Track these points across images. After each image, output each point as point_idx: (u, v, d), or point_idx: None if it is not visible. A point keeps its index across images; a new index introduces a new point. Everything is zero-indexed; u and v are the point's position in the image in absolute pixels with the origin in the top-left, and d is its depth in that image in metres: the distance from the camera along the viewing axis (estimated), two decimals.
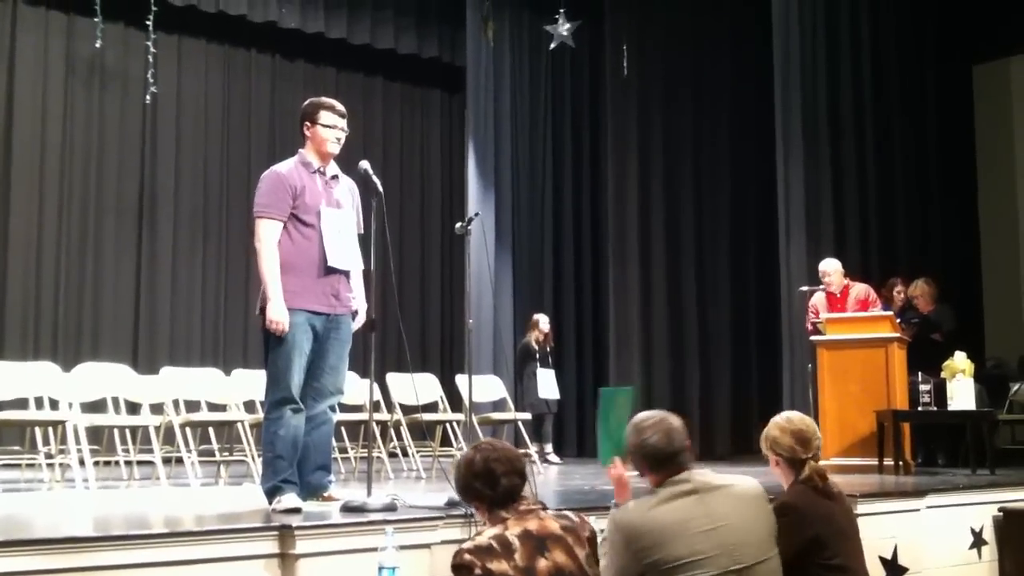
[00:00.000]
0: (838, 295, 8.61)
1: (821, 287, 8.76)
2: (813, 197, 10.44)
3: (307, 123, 4.99)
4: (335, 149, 4.99)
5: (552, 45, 11.48)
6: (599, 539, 3.29)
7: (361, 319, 5.08)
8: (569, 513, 3.15)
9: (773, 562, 3.32)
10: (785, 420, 3.97)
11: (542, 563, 2.88)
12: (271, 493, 4.68)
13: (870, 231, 10.85)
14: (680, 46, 12.44)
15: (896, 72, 11.40)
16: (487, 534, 2.93)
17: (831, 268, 8.69)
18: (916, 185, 11.50)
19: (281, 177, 4.86)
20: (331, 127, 4.96)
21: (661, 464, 3.35)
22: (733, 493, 3.36)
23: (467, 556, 2.85)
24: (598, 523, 3.64)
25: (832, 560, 3.69)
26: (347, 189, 5.11)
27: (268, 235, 4.78)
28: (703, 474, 3.39)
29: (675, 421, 3.43)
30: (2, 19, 10.89)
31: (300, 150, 5.03)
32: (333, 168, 5.05)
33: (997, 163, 12.17)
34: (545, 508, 3.11)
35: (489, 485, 3.07)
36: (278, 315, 4.69)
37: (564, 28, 11.15)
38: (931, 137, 11.77)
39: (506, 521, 2.98)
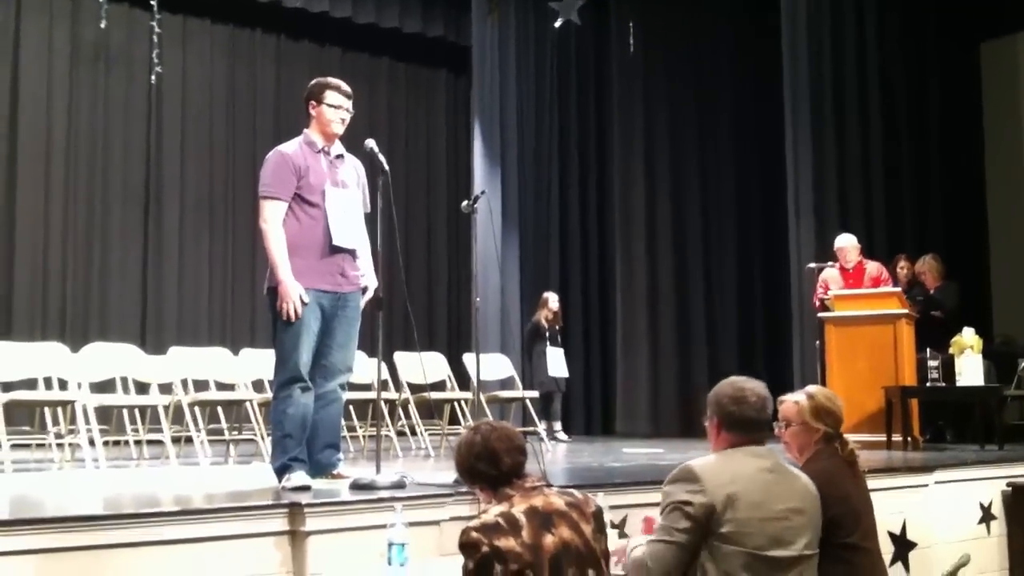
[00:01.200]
0: (850, 270, 8.59)
1: (829, 264, 8.74)
2: (820, 176, 10.44)
3: (312, 102, 4.99)
4: (339, 130, 4.99)
5: (557, 23, 11.44)
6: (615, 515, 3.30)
7: (370, 295, 5.08)
8: (573, 490, 3.15)
9: (815, 559, 3.31)
10: (830, 393, 3.98)
11: (548, 539, 2.88)
12: (281, 471, 4.70)
13: (875, 209, 10.83)
14: (685, 24, 12.42)
15: (902, 49, 11.36)
16: (493, 512, 2.93)
17: (848, 243, 8.65)
18: (923, 162, 11.48)
19: (286, 157, 4.87)
20: (336, 107, 4.96)
21: (745, 429, 3.33)
22: (804, 482, 3.36)
23: (474, 534, 2.85)
24: (607, 499, 3.65)
25: (847, 539, 3.68)
26: (352, 168, 5.10)
27: (273, 215, 4.78)
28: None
29: (769, 394, 3.42)
30: (7, 1, 10.87)
31: (305, 130, 5.03)
32: (338, 148, 5.05)
33: (1005, 140, 12.11)
34: (549, 485, 3.11)
35: (492, 465, 3.07)
36: (291, 292, 4.70)
37: (571, 6, 11.09)
38: (938, 114, 11.73)
39: (511, 499, 2.98)
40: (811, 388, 4.01)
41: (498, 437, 3.09)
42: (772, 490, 3.23)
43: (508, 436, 3.12)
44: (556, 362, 10.61)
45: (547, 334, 10.67)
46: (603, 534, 3.10)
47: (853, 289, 8.34)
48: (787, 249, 10.59)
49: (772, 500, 3.21)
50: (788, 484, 3.29)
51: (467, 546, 2.85)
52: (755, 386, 3.39)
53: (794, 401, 3.94)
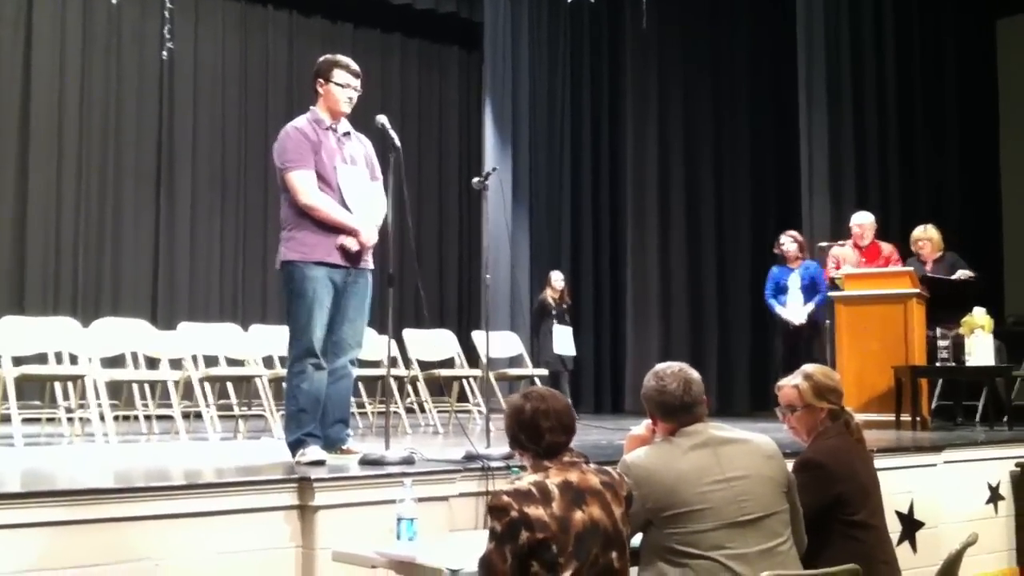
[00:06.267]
0: (864, 249, 8.52)
1: (840, 243, 8.69)
2: (836, 154, 10.39)
3: (320, 80, 5.00)
4: (347, 108, 5.00)
5: None
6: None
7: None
8: (611, 469, 3.12)
9: (782, 516, 3.31)
10: (827, 370, 3.98)
11: (578, 515, 2.87)
12: (295, 446, 4.71)
13: (890, 188, 10.79)
14: None
15: (918, 26, 11.29)
16: (527, 480, 2.93)
17: (866, 221, 8.55)
18: (938, 140, 11.42)
19: (301, 131, 4.90)
20: (344, 86, 4.96)
21: (676, 413, 3.35)
22: (746, 448, 3.35)
23: (505, 498, 2.85)
24: None
25: (854, 516, 3.68)
26: (359, 144, 5.12)
27: (305, 184, 4.80)
28: (718, 427, 3.39)
29: (694, 374, 3.42)
30: None
31: (312, 107, 5.04)
32: (345, 125, 5.06)
33: (1021, 119, 12.03)
34: (588, 461, 3.08)
35: (532, 439, 3.06)
36: (368, 235, 4.86)
37: None
38: (953, 91, 11.67)
39: (548, 470, 2.97)
40: (807, 368, 3.98)
41: (544, 412, 3.07)
42: (703, 464, 3.24)
43: (556, 413, 3.08)
44: (562, 340, 10.60)
45: (553, 312, 10.66)
46: (630, 518, 3.09)
47: (865, 268, 8.29)
48: (801, 226, 10.52)
49: (704, 474, 3.22)
50: (724, 454, 3.29)
51: (496, 508, 2.86)
52: (674, 370, 3.41)
53: (793, 385, 3.91)
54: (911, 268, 8.04)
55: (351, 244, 4.83)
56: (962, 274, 8.13)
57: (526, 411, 3.09)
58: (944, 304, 7.88)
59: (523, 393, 3.21)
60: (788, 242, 9.03)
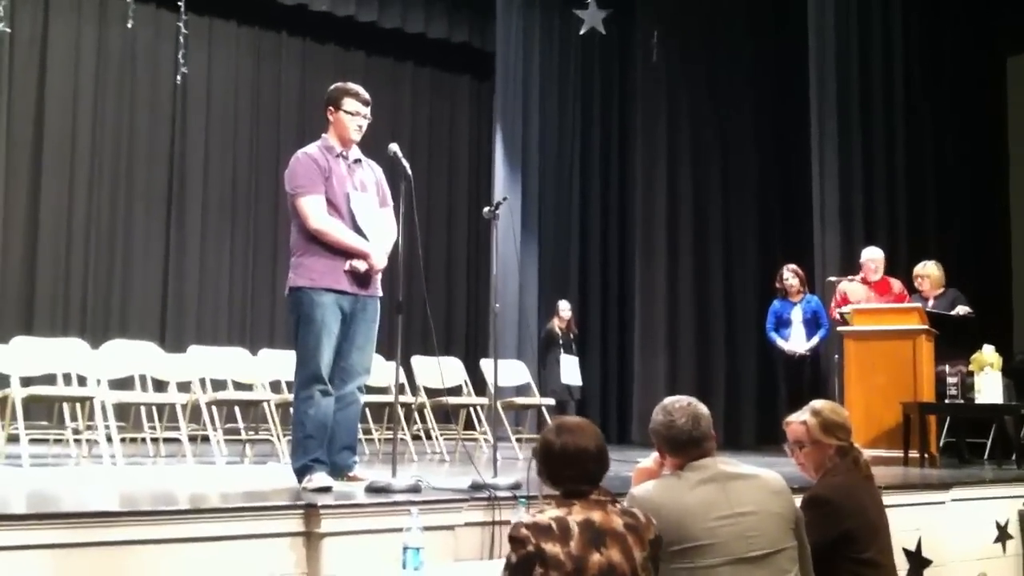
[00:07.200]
0: (872, 284, 8.50)
1: (849, 277, 8.68)
2: (847, 188, 10.39)
3: (331, 108, 5.05)
4: (356, 136, 5.04)
5: (582, 31, 11.44)
6: None
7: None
8: (638, 512, 3.04)
9: (790, 552, 3.29)
10: (835, 406, 3.99)
11: (595, 556, 2.82)
12: (301, 472, 4.71)
13: (899, 222, 10.78)
14: (708, 33, 12.42)
15: (929, 64, 11.30)
16: (549, 513, 2.89)
17: (877, 256, 8.55)
18: (947, 177, 11.41)
19: (311, 158, 4.94)
20: (353, 114, 5.00)
21: (684, 447, 3.34)
22: (755, 483, 3.34)
23: (523, 530, 2.83)
24: None
25: (863, 554, 3.67)
26: (370, 171, 5.15)
27: (315, 210, 4.83)
28: (726, 462, 3.38)
29: (703, 408, 3.41)
30: (35, 0, 10.95)
31: (323, 134, 5.09)
32: (356, 152, 5.10)
33: None
34: (615, 502, 3.01)
35: (552, 479, 3.04)
36: (378, 260, 4.90)
37: (596, 15, 11.10)
38: (965, 128, 11.66)
39: (572, 506, 2.93)
40: (815, 404, 3.98)
41: (571, 458, 3.00)
42: (711, 499, 3.23)
43: (582, 460, 3.00)
44: (569, 370, 10.60)
45: (560, 341, 10.66)
46: (656, 564, 3.01)
47: (874, 303, 8.27)
48: (810, 257, 10.51)
49: (712, 509, 3.21)
50: (732, 489, 3.28)
51: (514, 540, 2.84)
52: (682, 404, 3.40)
53: (801, 421, 3.91)
54: (918, 304, 8.03)
55: (360, 265, 4.85)
56: (961, 310, 8.13)
57: (554, 449, 3.03)
58: (947, 340, 7.87)
59: (557, 425, 3.15)
60: (790, 276, 9.12)
